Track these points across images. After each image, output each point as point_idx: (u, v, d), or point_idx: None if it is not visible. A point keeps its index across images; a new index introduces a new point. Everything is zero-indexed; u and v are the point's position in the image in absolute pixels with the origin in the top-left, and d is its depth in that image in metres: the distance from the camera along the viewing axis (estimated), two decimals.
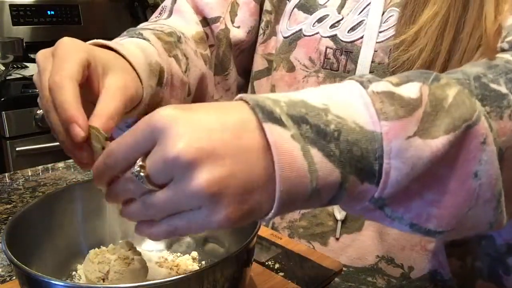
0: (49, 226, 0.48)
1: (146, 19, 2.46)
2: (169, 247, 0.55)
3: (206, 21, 0.69)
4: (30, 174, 0.88)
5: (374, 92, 0.31)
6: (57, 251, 0.49)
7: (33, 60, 1.91)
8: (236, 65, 0.72)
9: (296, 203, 0.30)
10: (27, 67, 1.75)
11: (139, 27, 0.62)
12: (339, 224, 0.58)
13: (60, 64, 0.40)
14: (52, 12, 2.09)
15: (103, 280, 0.44)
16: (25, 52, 1.96)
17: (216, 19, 0.69)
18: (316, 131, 0.29)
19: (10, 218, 0.45)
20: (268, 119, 0.29)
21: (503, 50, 0.44)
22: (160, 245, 0.55)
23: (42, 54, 0.42)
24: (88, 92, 0.42)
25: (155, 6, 2.46)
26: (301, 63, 0.61)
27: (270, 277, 0.50)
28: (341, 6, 0.59)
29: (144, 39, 0.55)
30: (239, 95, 0.31)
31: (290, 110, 0.30)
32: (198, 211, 0.29)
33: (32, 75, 1.84)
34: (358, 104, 0.31)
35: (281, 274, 0.51)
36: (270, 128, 0.29)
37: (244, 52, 0.71)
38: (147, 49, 0.53)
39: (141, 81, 0.48)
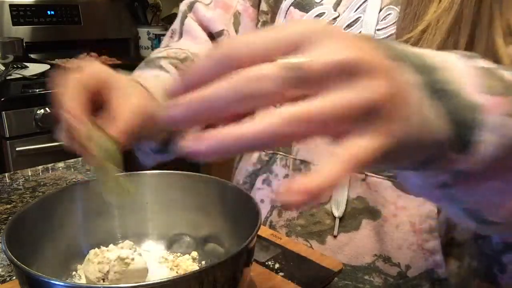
0: (49, 226, 0.48)
1: (146, 19, 2.47)
2: (169, 247, 0.55)
3: (212, 36, 0.71)
4: (30, 174, 0.88)
5: (477, 66, 0.31)
6: (57, 251, 0.49)
7: (33, 60, 1.91)
8: None
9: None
10: (27, 67, 1.75)
11: (156, 56, 0.65)
12: (337, 221, 0.58)
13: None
14: (52, 12, 2.09)
15: (103, 280, 0.44)
16: (25, 52, 1.95)
17: (220, 33, 0.70)
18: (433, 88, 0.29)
19: (10, 218, 0.45)
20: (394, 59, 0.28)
21: None
22: (160, 245, 0.55)
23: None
24: (107, 114, 0.44)
25: (155, 6, 2.45)
26: None
27: (270, 277, 0.50)
28: (337, 4, 0.59)
29: (165, 71, 0.59)
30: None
31: (416, 61, 0.29)
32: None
33: (32, 75, 1.83)
34: (463, 74, 0.30)
35: (281, 274, 0.51)
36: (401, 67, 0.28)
37: None
38: (167, 81, 0.57)
39: None
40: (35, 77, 1.66)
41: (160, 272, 0.50)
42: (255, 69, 0.24)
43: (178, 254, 0.54)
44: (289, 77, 0.24)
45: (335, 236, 0.59)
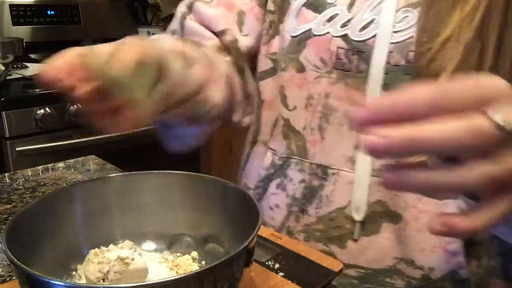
0: (49, 226, 0.48)
1: (146, 19, 2.47)
2: (169, 247, 0.55)
3: (216, 35, 0.69)
4: (30, 174, 0.88)
5: None
6: (57, 251, 0.49)
7: (33, 60, 1.91)
8: (251, 72, 0.72)
9: None
10: (27, 67, 1.75)
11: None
12: (358, 225, 0.58)
13: None
14: (52, 12, 2.09)
15: (103, 280, 0.44)
16: (25, 52, 1.95)
17: (223, 32, 0.68)
18: None
19: (10, 218, 0.45)
20: None
21: None
22: (160, 245, 0.55)
23: None
24: None
25: (155, 6, 2.46)
26: (312, 64, 0.60)
27: (270, 277, 0.50)
28: (351, 5, 0.58)
29: (155, 38, 0.58)
30: None
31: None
32: None
33: (32, 75, 1.83)
34: None
35: (281, 274, 0.51)
36: None
37: (256, 58, 0.71)
38: (158, 40, 0.55)
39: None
40: (35, 77, 1.66)
41: (160, 272, 0.50)
42: (473, 123, 0.26)
43: (178, 254, 0.54)
44: (498, 137, 0.26)
45: (355, 240, 0.59)
